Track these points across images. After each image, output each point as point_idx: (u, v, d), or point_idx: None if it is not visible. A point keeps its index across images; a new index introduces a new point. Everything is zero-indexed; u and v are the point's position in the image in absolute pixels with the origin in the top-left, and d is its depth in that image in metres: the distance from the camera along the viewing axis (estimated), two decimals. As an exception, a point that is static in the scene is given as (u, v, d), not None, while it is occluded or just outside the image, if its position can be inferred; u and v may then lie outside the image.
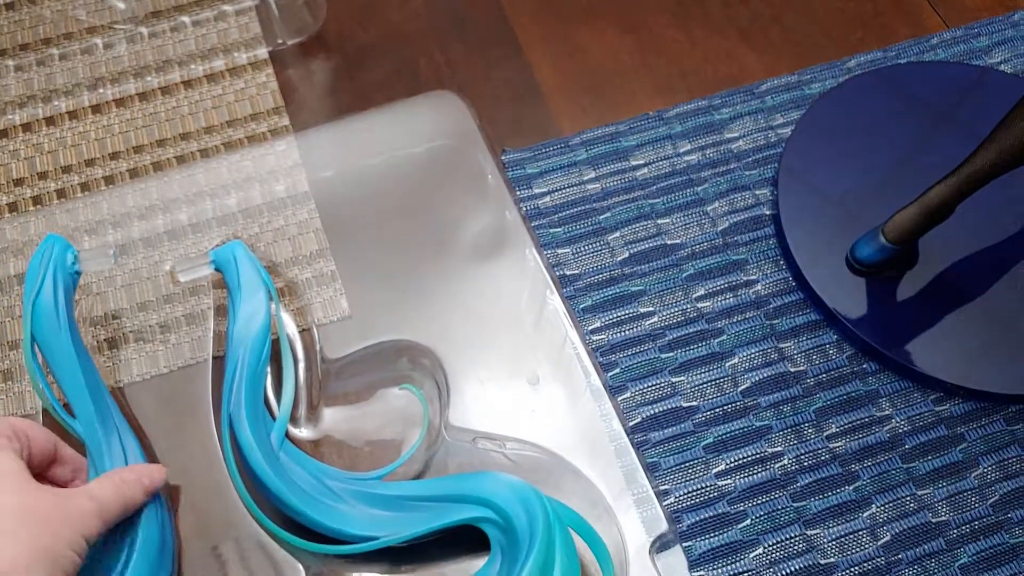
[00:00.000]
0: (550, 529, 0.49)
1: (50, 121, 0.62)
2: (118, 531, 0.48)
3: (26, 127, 0.61)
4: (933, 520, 0.92)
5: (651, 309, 1.03)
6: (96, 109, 0.63)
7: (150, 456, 0.53)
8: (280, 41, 0.71)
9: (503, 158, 1.03)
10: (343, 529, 0.50)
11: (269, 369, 0.55)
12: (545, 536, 0.48)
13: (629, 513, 0.57)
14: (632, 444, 0.57)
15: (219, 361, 0.56)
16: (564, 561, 0.48)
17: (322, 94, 0.72)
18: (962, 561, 0.91)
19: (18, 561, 0.40)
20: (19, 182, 0.59)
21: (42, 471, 0.50)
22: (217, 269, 0.53)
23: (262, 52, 0.68)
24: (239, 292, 0.50)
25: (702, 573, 0.91)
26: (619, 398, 0.98)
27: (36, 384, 0.50)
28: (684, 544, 0.53)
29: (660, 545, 0.54)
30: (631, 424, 0.98)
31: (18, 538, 0.41)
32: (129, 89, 0.64)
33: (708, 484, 0.93)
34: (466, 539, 0.53)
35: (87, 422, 0.49)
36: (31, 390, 0.53)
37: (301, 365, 0.57)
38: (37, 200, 0.58)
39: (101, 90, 0.63)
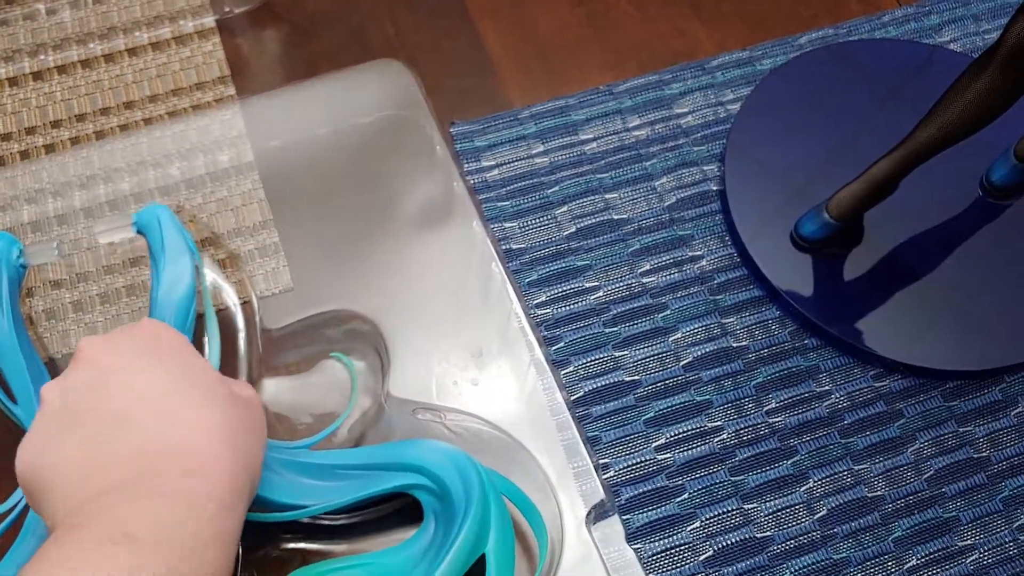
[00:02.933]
0: (485, 496, 0.49)
1: (-12, 86, 0.62)
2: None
3: (-36, 93, 0.62)
4: (869, 495, 0.95)
5: (596, 284, 1.06)
6: (37, 76, 0.63)
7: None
8: (227, 9, 0.71)
9: (452, 130, 1.04)
10: (270, 497, 0.49)
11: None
12: (481, 503, 0.48)
13: (568, 486, 0.59)
14: (573, 418, 0.59)
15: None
16: (499, 529, 0.48)
17: (270, 63, 0.73)
18: (896, 535, 0.94)
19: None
20: (-45, 148, 0.59)
21: None
22: (139, 232, 0.51)
23: (209, 20, 0.69)
24: (162, 256, 0.50)
25: (639, 545, 0.93)
26: (562, 372, 1.00)
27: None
28: (623, 517, 0.55)
29: (597, 515, 0.56)
30: (573, 398, 1.01)
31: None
32: (72, 56, 0.64)
33: (648, 458, 0.96)
34: (401, 508, 0.53)
35: (27, 406, 0.50)
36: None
37: (241, 336, 0.58)
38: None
39: (43, 56, 0.64)
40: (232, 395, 0.44)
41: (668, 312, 1.04)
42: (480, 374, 0.64)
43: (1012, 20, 0.81)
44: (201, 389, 0.43)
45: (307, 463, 0.51)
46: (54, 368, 0.56)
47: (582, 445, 0.61)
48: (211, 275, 0.59)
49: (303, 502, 0.49)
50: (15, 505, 0.48)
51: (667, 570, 0.91)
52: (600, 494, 0.58)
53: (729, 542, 0.93)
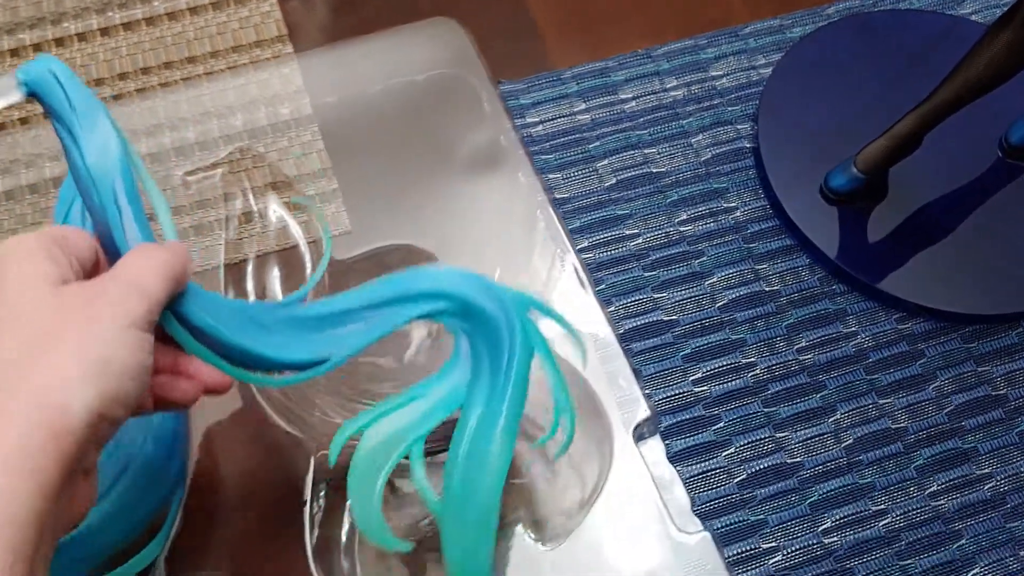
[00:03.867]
0: (522, 306, 0.41)
1: (59, 42, 0.59)
2: (132, 422, 0.46)
3: (37, 47, 0.58)
4: (892, 426, 0.91)
5: (636, 231, 1.01)
6: (104, 32, 0.60)
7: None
8: (285, -28, 0.67)
9: (499, 89, 0.99)
10: (285, 358, 0.40)
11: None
12: (522, 313, 0.40)
13: (613, 412, 0.55)
14: (622, 349, 0.55)
15: (232, 269, 0.54)
16: (541, 340, 0.41)
17: (324, 24, 0.69)
18: (918, 463, 0.89)
19: (68, 374, 0.28)
20: (30, 100, 0.56)
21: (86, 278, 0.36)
22: (31, 94, 0.36)
23: (268, -17, 0.64)
24: (75, 116, 0.36)
25: (679, 468, 0.90)
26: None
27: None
28: (664, 443, 0.51)
29: (640, 434, 0.52)
30: (616, 334, 0.97)
31: (59, 348, 0.29)
32: (136, 14, 0.61)
33: (685, 390, 0.92)
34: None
35: None
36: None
37: (308, 271, 0.55)
38: (48, 116, 0.56)
39: (110, 13, 0.60)
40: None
41: (704, 258, 0.99)
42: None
43: None
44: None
45: (310, 316, 0.41)
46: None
47: (630, 372, 0.57)
48: (282, 214, 0.56)
49: (322, 354, 0.40)
50: None
51: (704, 490, 0.87)
52: (644, 410, 0.55)
53: (762, 467, 0.89)
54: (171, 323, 0.35)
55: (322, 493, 0.49)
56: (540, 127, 1.03)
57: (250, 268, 0.54)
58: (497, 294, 0.40)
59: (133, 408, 0.31)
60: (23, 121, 0.55)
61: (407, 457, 0.39)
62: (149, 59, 0.59)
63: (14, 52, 0.57)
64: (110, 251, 0.36)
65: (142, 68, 0.59)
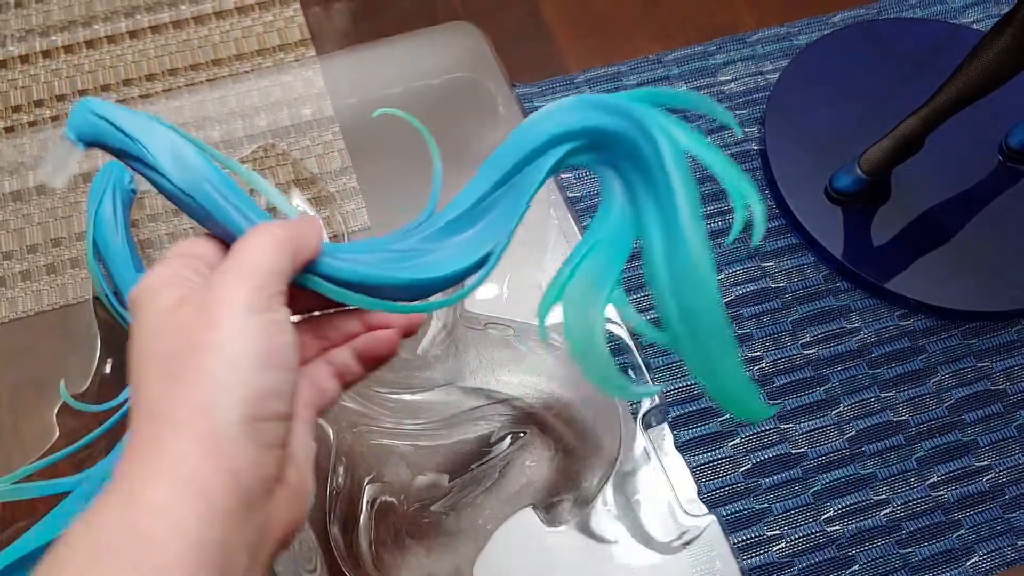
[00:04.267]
0: (644, 103, 0.34)
1: (90, 44, 0.58)
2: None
3: (68, 49, 0.58)
4: (894, 419, 0.89)
5: (646, 230, 1.00)
6: (133, 35, 0.60)
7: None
8: (308, -20, 0.66)
9: (514, 91, 0.98)
10: (453, 268, 0.35)
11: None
12: (650, 113, 0.34)
13: (623, 402, 0.54)
14: (633, 342, 0.54)
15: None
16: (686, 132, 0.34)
17: (345, 28, 0.68)
18: (919, 455, 0.88)
19: (202, 391, 0.25)
20: (60, 98, 0.56)
21: None
22: (90, 145, 0.33)
23: (291, -11, 0.64)
24: (139, 145, 0.32)
25: (686, 457, 0.88)
26: (616, 308, 0.94)
27: (96, 280, 0.48)
28: (672, 432, 0.50)
29: (648, 422, 0.51)
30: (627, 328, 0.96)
31: (188, 367, 0.25)
32: (164, 18, 0.60)
33: (692, 382, 0.90)
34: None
35: None
36: (72, 282, 0.51)
37: None
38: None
39: (138, 17, 0.60)
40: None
41: (713, 255, 0.98)
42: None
43: None
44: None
45: (451, 219, 0.36)
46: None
47: (641, 364, 0.56)
48: (304, 208, 0.55)
49: (483, 250, 0.35)
50: (127, 399, 0.44)
51: (710, 479, 0.86)
52: (655, 403, 0.54)
53: (766, 456, 0.87)
54: (320, 284, 0.33)
55: (340, 475, 0.48)
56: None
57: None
58: (614, 106, 0.34)
59: (291, 396, 0.27)
60: (54, 119, 0.55)
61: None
62: (176, 61, 0.59)
63: (46, 54, 0.57)
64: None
65: (169, 70, 0.58)
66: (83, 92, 0.56)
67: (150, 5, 0.60)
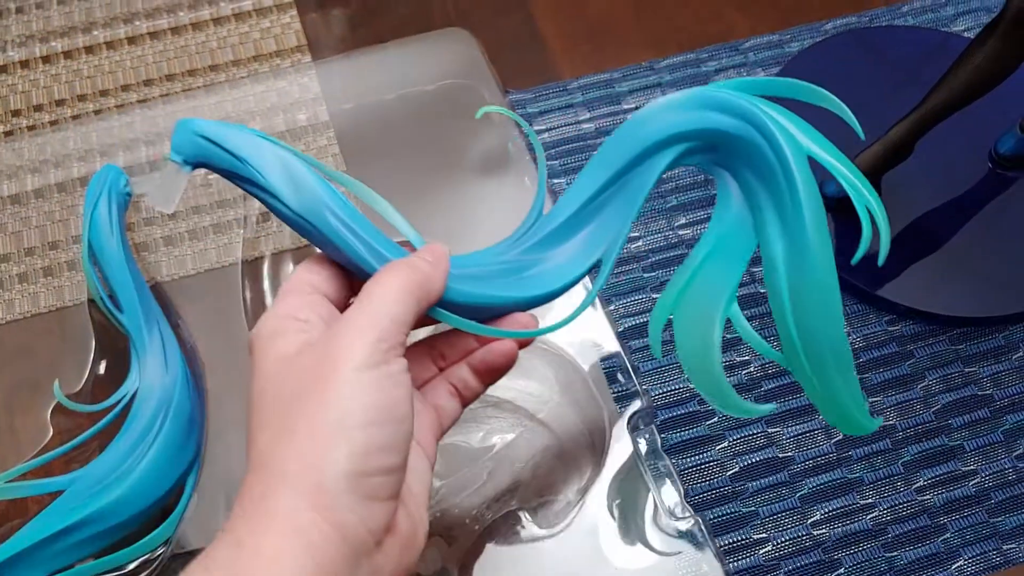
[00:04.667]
0: (761, 97, 0.32)
1: (89, 50, 0.60)
2: (152, 402, 0.46)
3: (67, 54, 0.59)
4: (882, 423, 0.90)
5: (636, 234, 1.01)
6: (132, 41, 0.61)
7: (184, 346, 0.51)
8: (304, -15, 0.68)
9: (507, 98, 1.00)
10: (567, 279, 0.34)
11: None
12: (770, 112, 0.31)
13: (611, 405, 0.55)
14: (621, 346, 0.55)
15: (249, 265, 0.54)
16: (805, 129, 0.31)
17: (341, 35, 0.69)
18: (905, 459, 0.89)
19: (310, 447, 0.25)
20: (60, 103, 0.57)
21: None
22: (198, 165, 0.31)
23: (287, -5, 0.65)
24: (249, 167, 0.30)
25: (674, 460, 0.89)
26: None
27: (91, 282, 0.49)
28: (660, 436, 0.51)
29: (635, 425, 0.52)
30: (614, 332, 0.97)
31: (299, 423, 0.26)
32: (162, 24, 0.61)
33: (681, 386, 0.92)
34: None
35: (132, 314, 0.48)
36: (69, 284, 0.52)
37: None
38: (76, 118, 0.56)
39: (137, 23, 0.61)
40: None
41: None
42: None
43: None
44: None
45: (558, 224, 0.34)
46: (157, 288, 0.54)
47: (629, 368, 0.57)
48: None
49: (594, 256, 0.34)
50: (120, 399, 0.45)
51: (697, 482, 0.87)
52: (639, 402, 0.54)
53: (754, 460, 0.89)
54: (442, 315, 0.32)
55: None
56: (546, 134, 1.03)
57: (266, 265, 0.54)
58: (733, 106, 0.31)
59: (403, 448, 0.27)
60: (52, 123, 0.56)
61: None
62: (174, 67, 0.60)
63: (46, 59, 0.58)
64: (359, 275, 0.32)
65: (167, 75, 0.59)
66: (82, 97, 0.57)
67: (149, 11, 0.61)
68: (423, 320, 0.32)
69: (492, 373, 0.34)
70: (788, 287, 0.31)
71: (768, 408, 0.34)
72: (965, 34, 1.17)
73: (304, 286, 0.31)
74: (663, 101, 0.32)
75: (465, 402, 0.35)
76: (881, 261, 0.31)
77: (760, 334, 0.33)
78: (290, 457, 0.25)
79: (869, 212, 0.31)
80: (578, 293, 0.36)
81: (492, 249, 0.35)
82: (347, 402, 0.26)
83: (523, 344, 0.35)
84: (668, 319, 0.34)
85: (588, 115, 1.06)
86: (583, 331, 0.57)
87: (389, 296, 0.28)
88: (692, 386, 0.91)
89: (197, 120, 0.30)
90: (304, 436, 0.26)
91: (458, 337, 0.34)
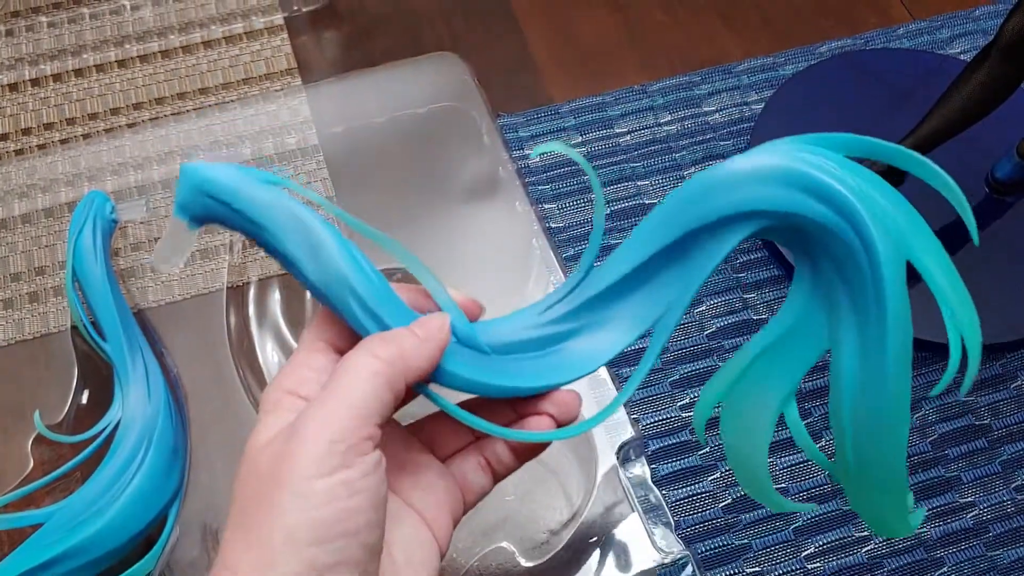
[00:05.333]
0: (869, 184, 0.28)
1: (79, 73, 0.60)
2: (135, 432, 0.46)
3: (56, 77, 0.60)
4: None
5: (630, 262, 1.02)
6: (122, 64, 0.61)
7: (168, 375, 0.52)
8: (295, 8, 0.69)
9: (497, 122, 1.01)
10: (598, 363, 0.31)
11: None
12: (872, 198, 0.27)
13: (601, 435, 0.56)
14: (610, 375, 0.55)
15: (234, 291, 0.55)
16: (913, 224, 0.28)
17: (333, 58, 0.70)
18: (901, 490, 0.89)
19: (261, 561, 0.24)
20: (48, 126, 0.57)
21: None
22: (204, 220, 0.28)
23: (278, 18, 0.66)
24: (265, 229, 0.27)
25: (664, 491, 0.90)
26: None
27: (74, 310, 0.49)
28: (650, 467, 0.51)
29: (626, 455, 0.52)
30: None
31: (249, 533, 0.25)
32: (153, 47, 0.62)
33: (673, 415, 0.92)
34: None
35: (115, 343, 0.49)
36: (55, 311, 0.53)
37: (308, 301, 0.56)
38: (64, 142, 0.57)
39: (127, 46, 0.62)
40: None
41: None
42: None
43: (1009, 16, 0.79)
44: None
45: (588, 299, 0.31)
46: (140, 317, 0.54)
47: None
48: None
49: (621, 345, 0.31)
50: (103, 430, 0.45)
51: (689, 514, 0.87)
52: (629, 432, 0.55)
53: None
54: (433, 397, 0.29)
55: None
56: (537, 159, 1.04)
57: (252, 291, 0.55)
58: (828, 191, 0.27)
59: (367, 557, 0.25)
60: (40, 147, 0.57)
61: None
62: (163, 90, 0.61)
63: (35, 82, 0.59)
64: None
65: (156, 98, 0.60)
66: (71, 121, 0.58)
67: (139, 34, 0.62)
68: None
69: (529, 451, 0.32)
70: (852, 407, 0.28)
71: (809, 507, 0.33)
72: (961, 57, 1.18)
73: (317, 342, 0.29)
74: (748, 165, 0.28)
75: (497, 477, 0.32)
76: (962, 393, 0.31)
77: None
78: (244, 563, 0.24)
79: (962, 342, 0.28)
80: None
81: (526, 312, 0.32)
82: (294, 515, 0.24)
83: (563, 421, 0.32)
84: (715, 409, 0.32)
85: (580, 139, 1.07)
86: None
87: (355, 384, 0.26)
88: (684, 415, 0.92)
89: (203, 168, 0.27)
90: (256, 544, 0.24)
91: (495, 404, 0.31)
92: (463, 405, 0.30)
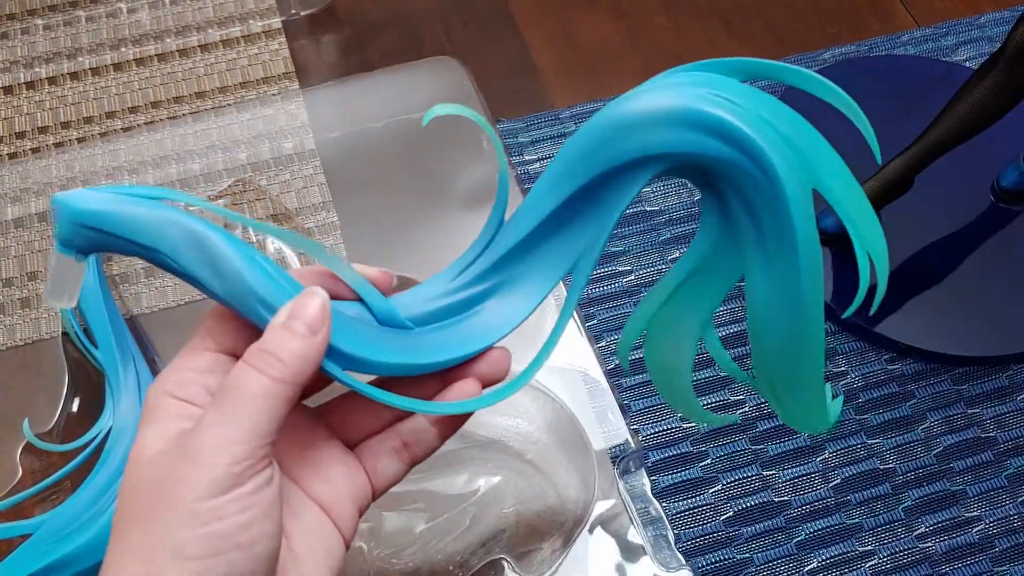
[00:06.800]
0: (770, 113, 0.28)
1: (74, 76, 0.61)
2: (126, 441, 0.46)
3: (51, 80, 0.60)
4: (881, 467, 0.91)
5: (628, 268, 1.02)
6: (118, 67, 0.62)
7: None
8: (294, 12, 0.69)
9: (498, 127, 1.01)
10: (514, 323, 0.31)
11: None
12: (775, 129, 0.28)
13: (601, 446, 0.56)
14: (610, 385, 0.55)
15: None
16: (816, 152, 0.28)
17: (331, 62, 0.70)
18: (906, 504, 0.89)
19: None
20: (43, 130, 0.58)
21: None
22: (91, 251, 0.27)
23: (276, 22, 0.66)
24: (158, 252, 0.26)
25: (664, 504, 0.90)
26: (595, 346, 0.96)
27: (65, 317, 0.49)
28: (650, 478, 0.51)
29: (626, 468, 0.52)
30: (605, 369, 0.97)
31: (128, 553, 0.24)
32: (149, 50, 0.62)
33: (673, 426, 0.92)
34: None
35: (107, 350, 0.49)
36: (47, 317, 0.53)
37: None
38: (59, 146, 0.57)
39: (123, 49, 0.62)
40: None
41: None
42: (518, 337, 0.59)
43: (1016, 24, 0.79)
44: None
45: (498, 259, 0.31)
46: (133, 323, 0.54)
47: (615, 410, 0.57)
48: (280, 245, 0.57)
49: (533, 302, 0.31)
50: (93, 438, 0.45)
51: (690, 527, 0.87)
52: (629, 444, 0.55)
53: (748, 504, 0.89)
54: (345, 380, 0.28)
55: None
56: (537, 164, 1.05)
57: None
58: (727, 128, 0.27)
59: (261, 568, 0.25)
60: (35, 151, 0.57)
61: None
62: (159, 94, 0.61)
63: (30, 85, 0.59)
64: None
65: (152, 102, 0.60)
66: (66, 124, 0.58)
67: (136, 38, 0.62)
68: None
69: (451, 423, 0.31)
70: (770, 326, 0.30)
71: (732, 418, 0.34)
72: (966, 64, 1.19)
73: (206, 340, 0.27)
74: (644, 106, 0.28)
75: (414, 460, 0.31)
76: (873, 309, 0.31)
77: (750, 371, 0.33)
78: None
79: (870, 259, 0.29)
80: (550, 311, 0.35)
81: (439, 277, 0.31)
82: (183, 532, 0.24)
83: (456, 424, 0.31)
84: (639, 338, 0.33)
85: (582, 145, 1.08)
86: (570, 368, 0.57)
87: (249, 405, 0.25)
88: (684, 425, 0.92)
89: (73, 199, 0.25)
90: (142, 558, 0.24)
91: (419, 376, 0.30)
92: (378, 380, 0.30)
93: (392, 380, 0.30)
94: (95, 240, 0.26)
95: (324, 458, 0.30)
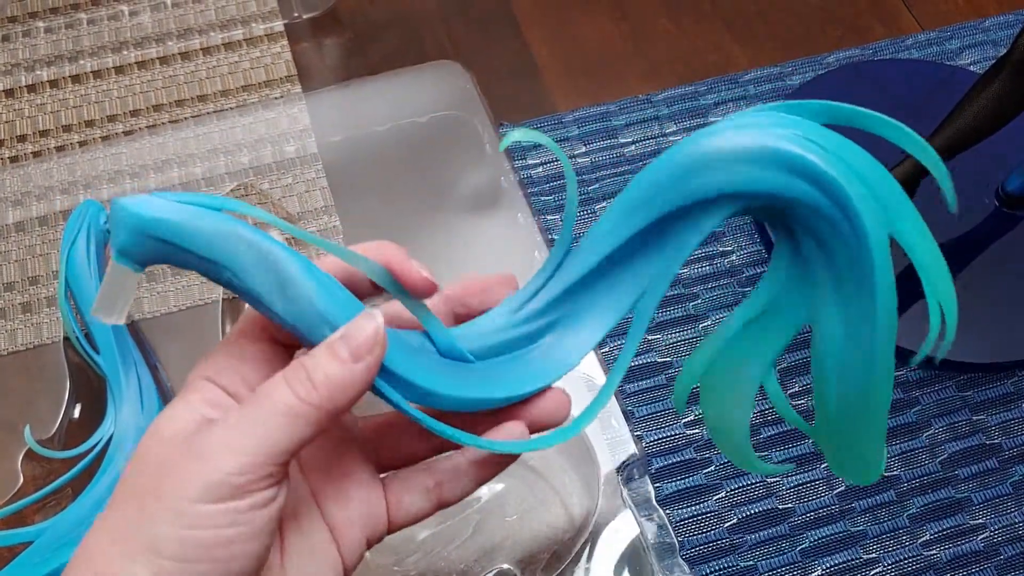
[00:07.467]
0: (857, 161, 0.28)
1: (76, 79, 0.61)
2: (128, 447, 0.47)
3: (53, 83, 0.60)
4: (886, 474, 0.91)
5: (633, 274, 1.02)
6: (119, 70, 0.62)
7: (161, 389, 0.52)
8: (296, 15, 0.69)
9: (500, 131, 1.01)
10: (575, 360, 0.30)
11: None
12: (859, 176, 0.28)
13: (604, 453, 0.56)
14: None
15: (230, 303, 0.55)
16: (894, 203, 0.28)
17: (333, 65, 0.71)
18: (911, 511, 0.89)
19: (117, 568, 0.23)
20: (44, 133, 0.58)
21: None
22: (150, 263, 0.25)
23: (278, 25, 0.66)
24: (224, 268, 0.25)
25: (668, 511, 0.90)
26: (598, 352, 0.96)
27: (67, 322, 0.50)
28: (654, 485, 0.51)
29: (629, 475, 0.52)
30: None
31: (113, 538, 0.24)
32: (151, 53, 0.63)
33: (677, 433, 0.92)
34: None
35: (108, 356, 0.49)
36: (48, 321, 0.53)
37: None
38: (60, 149, 0.58)
39: (125, 52, 0.62)
40: None
41: (699, 301, 1.00)
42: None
43: (1023, 29, 0.78)
44: None
45: (559, 293, 0.30)
46: (134, 329, 0.54)
47: (618, 415, 0.58)
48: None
49: (596, 337, 0.30)
50: (95, 444, 0.46)
51: (693, 534, 0.87)
52: (633, 450, 0.55)
53: (752, 512, 0.89)
54: (392, 397, 0.27)
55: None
56: (540, 169, 1.05)
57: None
58: (811, 170, 0.27)
59: None
60: (36, 154, 0.57)
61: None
62: (161, 97, 0.61)
63: (31, 88, 0.59)
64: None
65: (154, 105, 0.61)
66: (67, 128, 0.58)
67: (138, 40, 0.62)
68: None
69: (494, 467, 0.30)
70: (838, 376, 0.29)
71: (788, 468, 0.35)
72: (971, 68, 1.19)
73: (253, 327, 0.27)
74: (728, 143, 0.27)
75: (442, 502, 0.30)
76: (939, 358, 0.32)
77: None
78: (98, 554, 0.24)
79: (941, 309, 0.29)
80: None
81: (502, 309, 0.30)
82: (164, 528, 0.23)
83: (497, 468, 0.30)
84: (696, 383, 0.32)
85: (584, 148, 1.07)
86: (574, 374, 0.57)
87: (271, 419, 0.24)
88: (688, 432, 0.92)
89: (140, 206, 0.24)
90: (116, 541, 0.24)
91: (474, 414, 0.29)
92: (429, 412, 0.28)
93: (447, 413, 0.29)
94: (159, 251, 0.24)
95: (350, 480, 0.29)
